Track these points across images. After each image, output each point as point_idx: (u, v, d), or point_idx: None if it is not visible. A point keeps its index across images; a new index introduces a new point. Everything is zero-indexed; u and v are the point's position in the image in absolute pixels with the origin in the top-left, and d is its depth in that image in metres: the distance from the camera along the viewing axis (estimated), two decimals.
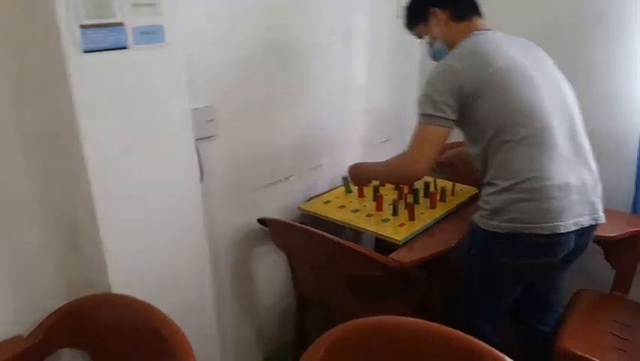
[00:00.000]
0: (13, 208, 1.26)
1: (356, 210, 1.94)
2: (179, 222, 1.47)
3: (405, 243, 1.70)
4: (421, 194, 2.02)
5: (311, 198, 2.13)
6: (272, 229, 1.89)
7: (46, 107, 1.24)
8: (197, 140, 1.51)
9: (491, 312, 1.61)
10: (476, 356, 1.09)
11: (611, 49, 2.03)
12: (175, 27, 1.32)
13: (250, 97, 1.81)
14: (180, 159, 1.43)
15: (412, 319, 1.20)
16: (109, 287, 1.33)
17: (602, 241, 1.80)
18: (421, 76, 2.51)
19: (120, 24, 1.21)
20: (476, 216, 1.50)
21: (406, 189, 2.05)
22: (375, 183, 2.04)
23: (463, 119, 1.47)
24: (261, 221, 1.91)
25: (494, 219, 1.43)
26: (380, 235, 1.75)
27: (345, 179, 2.10)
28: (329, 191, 2.19)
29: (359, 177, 1.89)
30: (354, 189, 2.09)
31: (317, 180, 2.21)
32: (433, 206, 1.94)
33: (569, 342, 1.56)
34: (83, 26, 1.14)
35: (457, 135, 1.58)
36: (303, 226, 1.75)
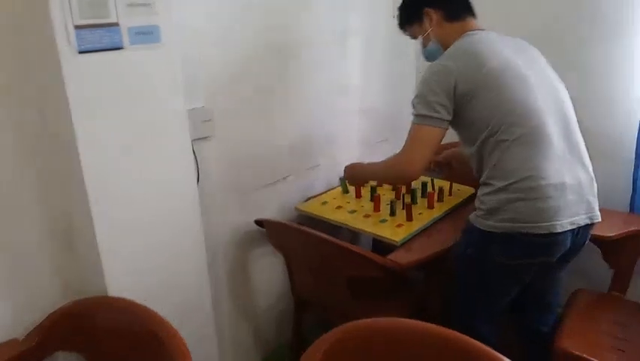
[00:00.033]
0: (9, 209, 1.25)
1: (353, 211, 1.94)
2: (176, 223, 1.46)
3: (403, 244, 1.69)
4: (419, 194, 2.01)
5: (308, 199, 2.12)
6: (269, 230, 1.89)
7: (42, 108, 1.24)
8: (194, 140, 1.51)
9: (488, 313, 1.61)
10: (475, 357, 1.09)
11: (609, 49, 2.04)
12: (171, 27, 1.32)
13: (247, 97, 1.81)
14: (177, 159, 1.43)
15: (410, 320, 1.19)
16: (105, 288, 1.32)
17: (599, 241, 1.80)
18: (418, 76, 2.51)
19: (115, 24, 1.20)
20: (472, 216, 1.50)
21: (403, 190, 2.05)
22: (373, 183, 2.04)
23: (458, 119, 1.47)
24: (258, 222, 1.90)
25: (490, 219, 1.42)
26: (378, 235, 1.74)
27: (342, 179, 2.10)
28: (326, 191, 2.19)
29: (355, 177, 1.89)
30: (352, 189, 2.08)
31: (314, 181, 2.20)
32: (430, 206, 1.94)
33: (568, 342, 1.56)
34: (77, 27, 1.13)
35: (453, 135, 1.58)
36: (300, 226, 1.74)
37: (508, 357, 1.05)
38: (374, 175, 1.83)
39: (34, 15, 1.13)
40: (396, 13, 1.70)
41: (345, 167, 1.89)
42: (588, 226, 1.46)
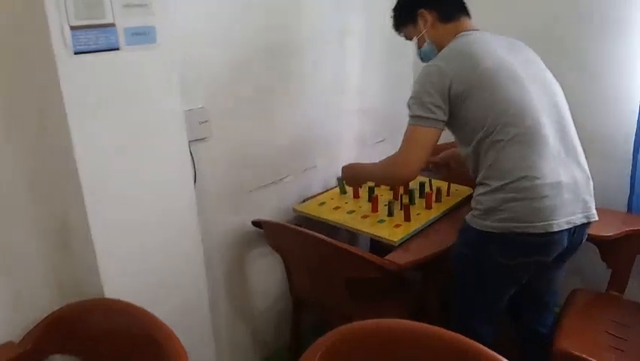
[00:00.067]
0: (4, 209, 1.25)
1: (351, 212, 1.93)
2: (173, 223, 1.46)
3: (401, 244, 1.69)
4: (417, 195, 2.01)
5: (306, 200, 2.11)
6: (267, 231, 1.88)
7: (38, 108, 1.23)
8: (191, 141, 1.50)
9: (486, 313, 1.60)
10: (473, 357, 1.09)
11: (607, 49, 2.04)
12: (167, 28, 1.31)
13: (244, 98, 1.80)
14: (173, 159, 1.42)
15: (408, 322, 1.19)
16: (101, 289, 1.31)
17: (597, 241, 1.81)
18: (415, 76, 2.50)
19: (111, 25, 1.20)
20: (469, 217, 1.50)
21: (401, 190, 2.05)
22: (370, 184, 2.03)
23: (453, 120, 1.47)
24: (256, 223, 1.89)
25: (487, 219, 1.42)
26: (376, 236, 1.74)
27: (339, 180, 2.09)
28: (324, 192, 2.18)
29: (352, 178, 1.89)
30: (349, 190, 2.08)
31: (312, 181, 2.20)
32: (428, 207, 1.94)
33: (566, 342, 1.56)
34: (73, 27, 1.13)
35: (451, 136, 1.57)
36: (298, 227, 1.74)
37: (506, 358, 1.05)
38: (371, 176, 1.83)
39: (30, 16, 1.13)
40: (387, 14, 1.70)
41: (343, 167, 1.89)
42: (585, 225, 1.46)
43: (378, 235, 1.73)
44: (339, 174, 1.96)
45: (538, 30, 2.06)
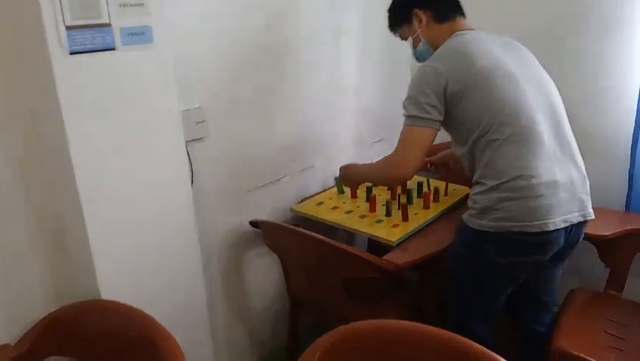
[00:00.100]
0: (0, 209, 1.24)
1: (349, 212, 1.93)
2: (170, 223, 1.45)
3: (399, 244, 1.68)
4: (415, 194, 2.00)
5: (303, 200, 2.11)
6: (264, 231, 1.88)
7: (34, 109, 1.23)
8: (188, 141, 1.50)
9: (483, 312, 1.61)
10: (471, 358, 1.08)
11: (605, 48, 2.03)
12: (163, 28, 1.31)
13: (241, 98, 1.80)
14: (170, 159, 1.42)
15: (406, 322, 1.19)
16: (97, 289, 1.31)
17: (595, 240, 1.80)
18: (412, 76, 2.50)
19: (107, 25, 1.19)
20: (465, 216, 1.50)
21: (399, 190, 2.04)
22: (368, 183, 2.03)
23: (449, 119, 1.47)
24: (253, 223, 1.89)
25: (483, 219, 1.42)
26: (374, 236, 1.74)
27: (337, 179, 2.09)
28: (322, 192, 2.18)
29: (349, 178, 1.89)
30: (347, 189, 2.08)
31: (309, 181, 2.19)
32: (426, 206, 1.93)
33: (564, 341, 1.56)
34: (68, 27, 1.12)
35: (448, 136, 1.57)
36: (295, 228, 1.73)
37: (504, 357, 1.05)
38: (367, 176, 1.82)
39: (25, 16, 1.12)
40: (384, 14, 1.70)
41: (340, 168, 1.89)
42: (581, 224, 1.46)
43: (376, 235, 1.73)
44: (337, 173, 1.96)
45: (537, 30, 2.06)
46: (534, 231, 1.37)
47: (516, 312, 1.70)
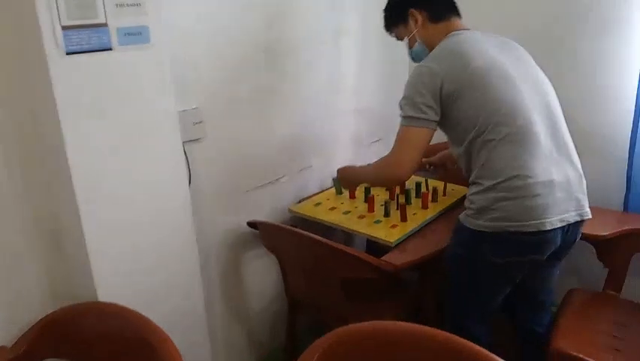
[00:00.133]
0: None
1: (347, 212, 1.93)
2: (168, 224, 1.45)
3: (397, 244, 1.68)
4: (413, 195, 2.00)
5: (302, 200, 2.11)
6: (262, 232, 1.87)
7: (31, 109, 1.22)
8: (185, 142, 1.49)
9: (480, 312, 1.60)
10: (469, 358, 1.08)
11: (602, 48, 2.04)
12: (160, 28, 1.30)
13: (239, 98, 1.79)
14: (167, 160, 1.42)
15: (405, 323, 1.18)
16: (94, 289, 1.30)
17: (593, 240, 1.80)
18: None
19: (104, 25, 1.19)
20: (462, 216, 1.50)
21: (397, 190, 2.04)
22: (366, 184, 2.03)
23: (445, 120, 1.47)
24: (251, 224, 1.88)
25: (480, 219, 1.42)
26: (372, 236, 1.73)
27: (335, 180, 2.09)
28: (320, 192, 2.17)
29: (347, 180, 1.89)
30: (345, 190, 2.07)
31: (307, 181, 2.19)
32: (425, 207, 1.93)
33: (563, 342, 1.55)
34: (65, 27, 1.12)
35: (445, 136, 1.57)
36: (293, 228, 1.73)
37: (503, 358, 1.04)
38: (365, 178, 1.82)
39: (22, 16, 1.12)
40: (382, 14, 1.70)
41: (338, 170, 1.89)
42: (578, 223, 1.46)
43: (375, 235, 1.72)
44: (335, 174, 1.96)
45: (534, 30, 2.05)
46: (531, 230, 1.36)
47: (515, 312, 1.69)
